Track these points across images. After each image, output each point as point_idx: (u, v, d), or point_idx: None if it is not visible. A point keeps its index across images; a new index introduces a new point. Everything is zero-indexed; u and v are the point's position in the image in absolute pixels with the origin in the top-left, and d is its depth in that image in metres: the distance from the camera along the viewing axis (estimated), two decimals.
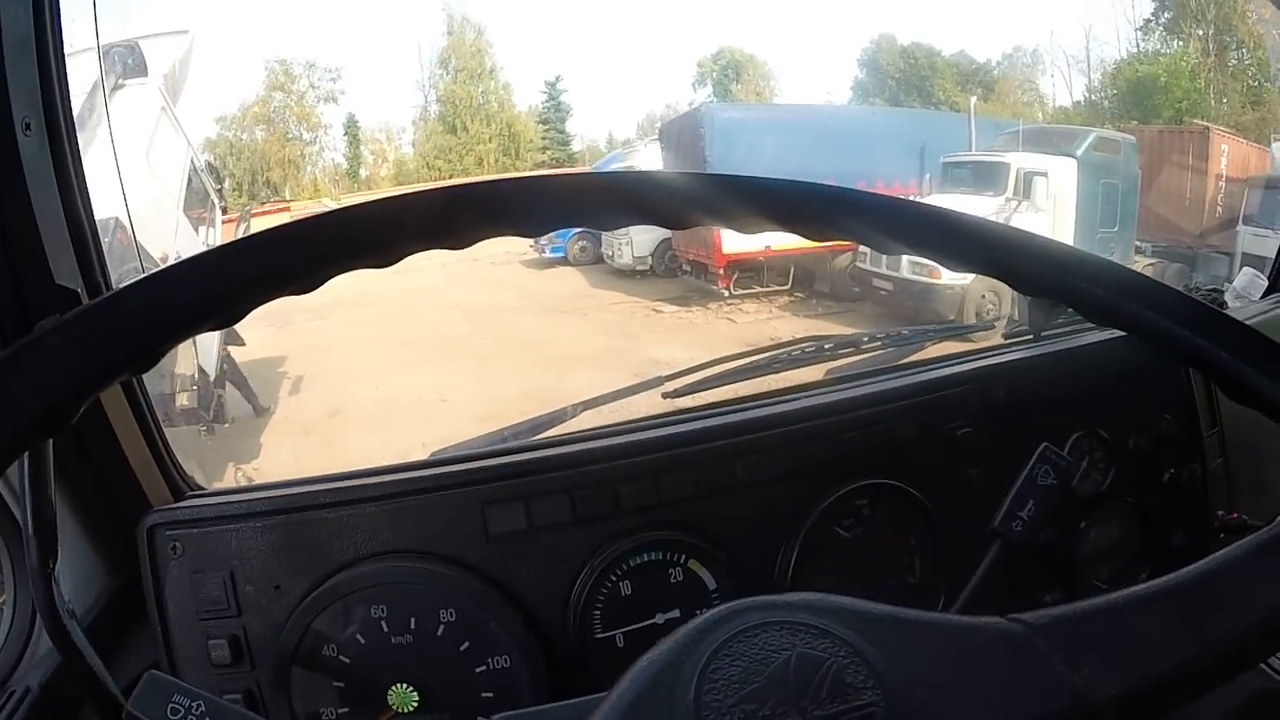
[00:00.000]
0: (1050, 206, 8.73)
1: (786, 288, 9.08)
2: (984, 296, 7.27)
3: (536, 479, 0.78)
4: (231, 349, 5.47)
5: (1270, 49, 13.64)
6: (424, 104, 20.72)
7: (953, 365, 1.05)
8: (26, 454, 0.54)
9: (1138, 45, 17.48)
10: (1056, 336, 1.09)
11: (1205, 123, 13.66)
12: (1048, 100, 18.22)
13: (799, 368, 1.16)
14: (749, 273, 8.98)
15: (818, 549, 0.85)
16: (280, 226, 0.36)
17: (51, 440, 0.55)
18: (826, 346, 1.21)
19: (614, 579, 0.80)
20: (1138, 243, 9.82)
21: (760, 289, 9.03)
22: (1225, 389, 0.42)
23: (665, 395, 1.08)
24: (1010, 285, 0.43)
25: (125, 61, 4.45)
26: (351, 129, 20.02)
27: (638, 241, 9.84)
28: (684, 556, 0.81)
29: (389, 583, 0.74)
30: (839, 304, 8.45)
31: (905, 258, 8.02)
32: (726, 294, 8.91)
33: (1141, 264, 9.46)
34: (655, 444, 0.83)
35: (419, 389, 5.93)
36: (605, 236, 10.52)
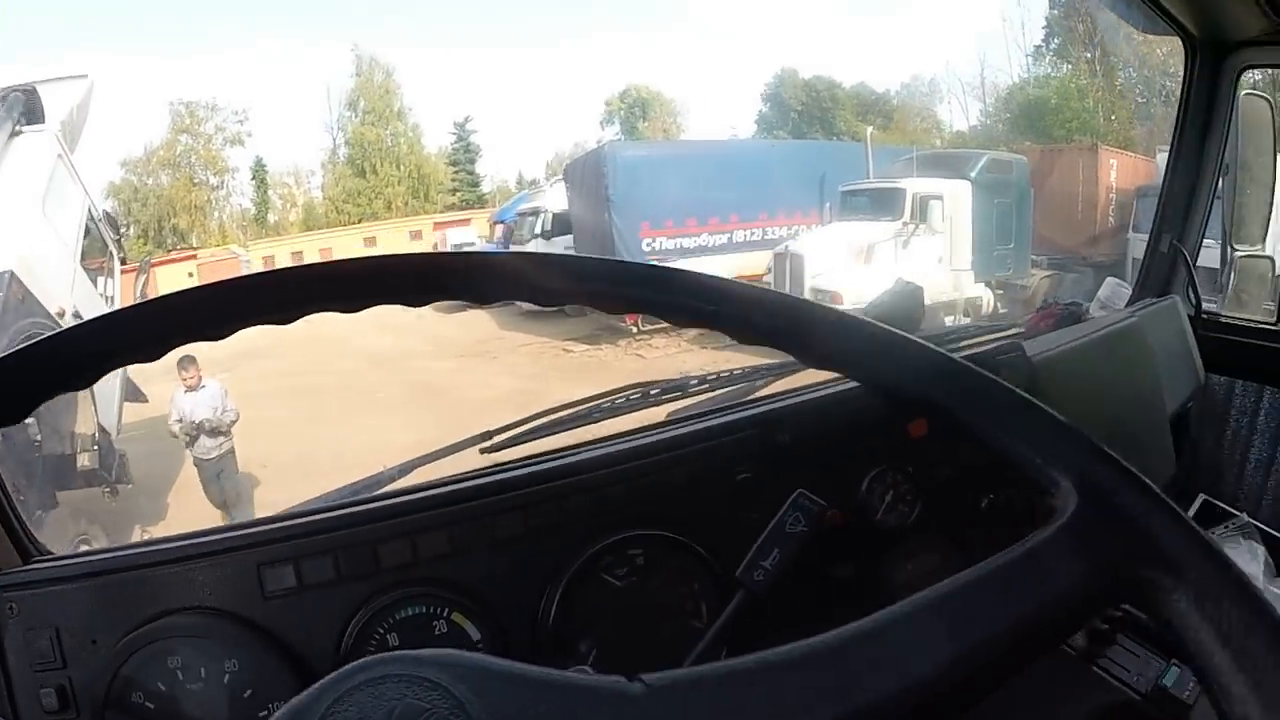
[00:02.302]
0: (947, 228, 9.01)
1: None
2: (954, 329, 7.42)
3: (304, 541, 0.84)
4: (131, 405, 5.33)
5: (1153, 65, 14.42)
6: (332, 146, 20.78)
7: (740, 410, 1.06)
8: None
9: (1029, 70, 18.41)
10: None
11: (1094, 139, 14.40)
12: (945, 126, 19.07)
13: (622, 415, 1.17)
14: None
15: (585, 599, 0.88)
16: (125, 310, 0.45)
17: None
18: (652, 392, 1.21)
19: (381, 631, 0.84)
20: (1035, 256, 10.21)
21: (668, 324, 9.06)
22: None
23: (483, 450, 1.09)
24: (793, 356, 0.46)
25: (22, 107, 4.28)
26: (259, 172, 19.84)
27: None
28: (447, 610, 0.85)
29: (182, 636, 0.80)
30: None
31: (809, 285, 8.21)
32: (635, 330, 8.94)
33: (1039, 276, 9.82)
34: (412, 505, 0.88)
35: (321, 442, 5.79)
36: None
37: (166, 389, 6.88)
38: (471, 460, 1.08)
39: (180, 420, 5.04)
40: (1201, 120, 1.80)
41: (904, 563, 1.01)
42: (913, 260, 8.60)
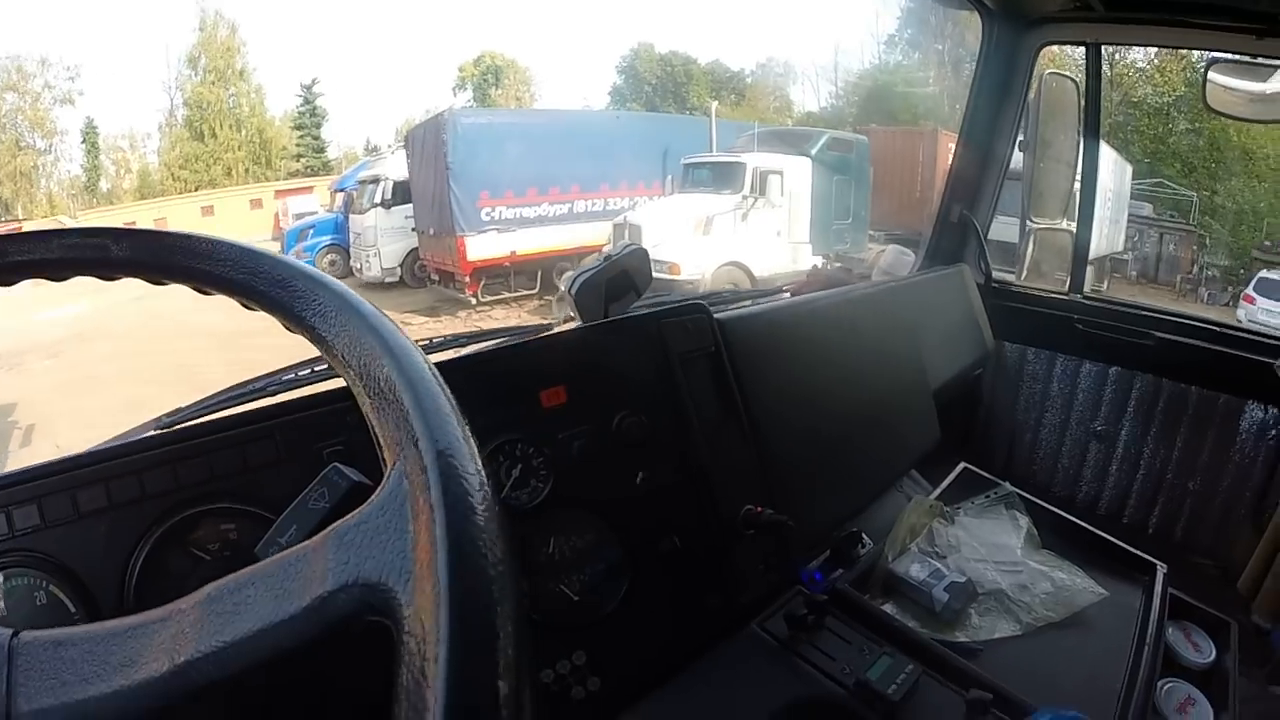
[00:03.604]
0: (785, 203, 9.29)
1: (535, 291, 9.11)
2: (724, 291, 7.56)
3: None
4: None
5: None
6: (170, 107, 19.39)
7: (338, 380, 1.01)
8: None
9: (880, 57, 19.25)
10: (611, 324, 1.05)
11: (935, 125, 15.24)
12: (796, 107, 19.73)
13: (303, 386, 1.11)
14: (496, 279, 8.96)
15: (170, 572, 0.87)
16: None
17: None
18: (319, 367, 1.16)
19: None
20: (873, 231, 10.67)
21: (509, 294, 9.03)
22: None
23: (159, 428, 1.03)
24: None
25: None
26: (90, 135, 18.36)
27: (385, 252, 9.56)
28: (45, 581, 0.85)
29: None
30: None
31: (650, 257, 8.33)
32: (474, 301, 8.84)
33: (875, 250, 10.31)
34: (12, 480, 0.86)
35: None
36: (353, 249, 10.10)
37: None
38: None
39: None
40: (996, 93, 1.84)
41: (543, 544, 0.96)
42: (751, 233, 8.84)
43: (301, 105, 19.82)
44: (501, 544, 0.35)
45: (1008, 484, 1.32)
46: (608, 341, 1.03)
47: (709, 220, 8.71)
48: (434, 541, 0.34)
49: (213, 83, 18.80)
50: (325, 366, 1.17)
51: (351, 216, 10.86)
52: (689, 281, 7.83)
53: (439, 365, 1.10)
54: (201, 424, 0.94)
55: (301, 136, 19.52)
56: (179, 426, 0.95)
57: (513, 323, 8.27)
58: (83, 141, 18.37)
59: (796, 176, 9.44)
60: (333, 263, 10.30)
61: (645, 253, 1.14)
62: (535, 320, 8.34)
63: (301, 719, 0.76)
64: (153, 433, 1.00)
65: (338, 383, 1.12)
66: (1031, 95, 1.83)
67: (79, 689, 0.35)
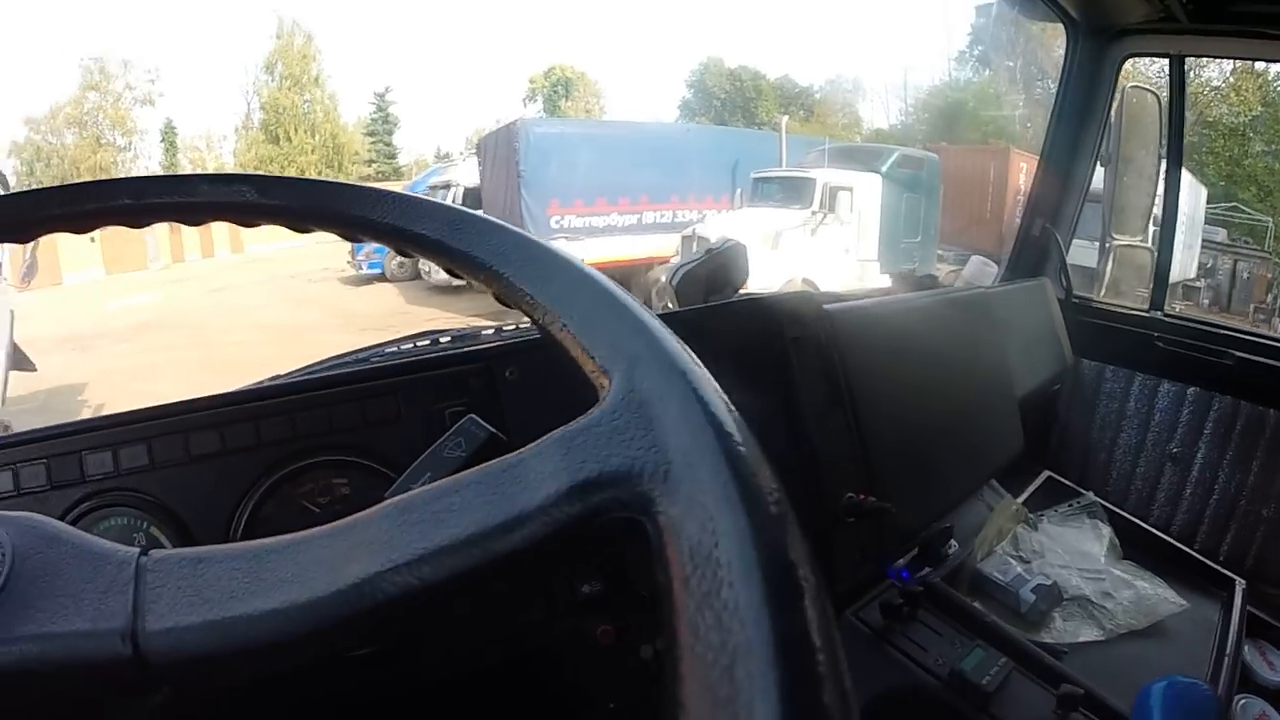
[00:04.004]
0: (854, 219, 9.19)
1: None
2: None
3: (23, 449, 0.85)
4: (20, 375, 5.09)
5: None
6: (247, 111, 20.11)
7: (473, 344, 1.03)
8: None
9: (950, 74, 18.95)
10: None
11: (1007, 144, 14.91)
12: (866, 123, 19.51)
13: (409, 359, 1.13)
14: None
15: (278, 521, 0.87)
16: None
17: None
18: (443, 339, 1.21)
19: None
20: (941, 250, 10.48)
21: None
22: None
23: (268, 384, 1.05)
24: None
25: None
26: (169, 135, 19.15)
27: None
28: (145, 522, 0.86)
29: None
30: None
31: None
32: None
33: (945, 270, 10.12)
34: (115, 420, 0.89)
35: None
36: None
37: (58, 360, 6.62)
38: None
39: None
40: (1079, 106, 1.81)
41: None
42: (819, 249, 8.75)
43: (374, 112, 20.38)
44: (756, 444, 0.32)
45: (1090, 493, 1.34)
46: (722, 324, 1.03)
47: (778, 235, 8.64)
48: (696, 434, 0.31)
49: (289, 88, 19.40)
50: (429, 342, 1.20)
51: None
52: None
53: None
54: (322, 378, 0.95)
55: (374, 142, 20.07)
56: (296, 380, 0.96)
57: None
58: (161, 140, 19.15)
59: (866, 193, 9.34)
60: (401, 264, 10.49)
61: (744, 249, 1.16)
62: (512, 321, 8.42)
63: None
64: (268, 383, 1.02)
65: (456, 348, 1.15)
66: (1113, 109, 1.80)
67: (225, 606, 0.33)
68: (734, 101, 18.83)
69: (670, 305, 1.09)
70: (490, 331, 1.24)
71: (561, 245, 0.43)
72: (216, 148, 19.75)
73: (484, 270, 0.42)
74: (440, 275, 9.91)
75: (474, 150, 11.43)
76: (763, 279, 8.27)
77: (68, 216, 0.47)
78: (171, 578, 0.33)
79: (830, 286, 8.64)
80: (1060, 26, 1.78)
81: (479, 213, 0.45)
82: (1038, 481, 1.40)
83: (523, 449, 0.34)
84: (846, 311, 1.19)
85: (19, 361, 5.07)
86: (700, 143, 10.78)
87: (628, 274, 8.97)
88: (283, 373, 1.13)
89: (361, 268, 10.83)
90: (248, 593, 0.33)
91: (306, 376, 0.98)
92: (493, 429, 0.61)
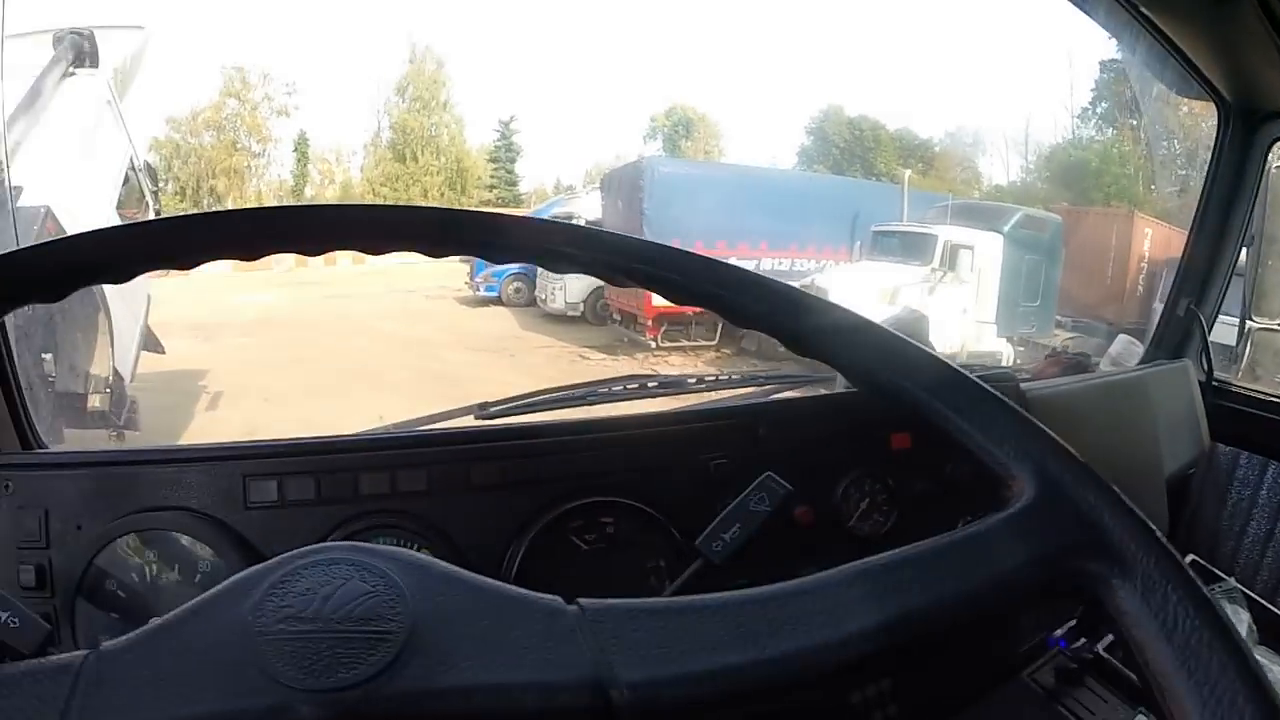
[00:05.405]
0: (974, 279, 8.97)
1: (713, 343, 9.14)
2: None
3: (290, 460, 0.88)
4: (152, 356, 5.30)
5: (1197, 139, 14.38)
6: (376, 129, 20.91)
7: (728, 401, 1.08)
8: None
9: (1073, 131, 18.36)
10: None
11: (1131, 207, 14.32)
12: (985, 178, 19.00)
13: (618, 401, 1.18)
14: (677, 326, 9.04)
15: (549, 555, 0.90)
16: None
17: None
18: (650, 384, 1.23)
19: None
20: (1059, 317, 10.12)
21: (688, 343, 9.09)
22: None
23: (478, 416, 1.10)
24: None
25: (78, 49, 4.28)
26: (301, 146, 20.06)
27: (572, 288, 9.86)
28: (416, 544, 0.87)
29: (160, 530, 0.85)
30: (763, 361, 8.42)
31: None
32: (654, 345, 8.95)
33: (1061, 337, 9.76)
34: (396, 442, 0.93)
35: (333, 415, 5.88)
36: (539, 280, 10.54)
37: (184, 345, 6.96)
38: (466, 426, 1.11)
39: None
40: (1229, 187, 1.79)
41: None
42: (937, 307, 8.56)
43: (498, 140, 21.01)
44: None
45: (1232, 579, 1.35)
46: None
47: (895, 290, 8.50)
48: (1116, 513, 0.39)
49: (418, 111, 20.18)
50: (637, 386, 1.23)
51: None
52: None
53: (789, 400, 1.11)
54: (596, 420, 0.99)
55: (496, 169, 20.67)
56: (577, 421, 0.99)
57: (688, 370, 8.36)
58: (294, 150, 20.11)
59: (987, 253, 9.12)
60: (518, 290, 10.77)
61: (927, 321, 1.23)
62: (713, 371, 8.38)
63: None
64: (542, 420, 1.05)
65: (699, 397, 1.20)
66: (1260, 189, 1.76)
67: (705, 658, 0.34)
68: (853, 150, 18.71)
69: None
70: (694, 380, 1.27)
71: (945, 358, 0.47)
72: (345, 161, 20.67)
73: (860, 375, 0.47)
74: (555, 304, 10.20)
75: (595, 184, 11.69)
76: None
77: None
78: (625, 628, 0.35)
79: (943, 347, 8.43)
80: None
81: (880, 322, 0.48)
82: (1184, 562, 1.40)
83: (969, 529, 0.40)
84: (1040, 391, 1.28)
85: (150, 343, 5.26)
86: (822, 191, 10.78)
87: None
88: (491, 401, 1.14)
89: (479, 289, 11.12)
90: (728, 645, 0.35)
91: (576, 422, 1.00)
92: (789, 486, 0.64)
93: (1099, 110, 18.50)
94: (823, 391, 1.15)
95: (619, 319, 9.67)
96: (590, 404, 1.17)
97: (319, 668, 0.33)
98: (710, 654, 0.35)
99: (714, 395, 1.22)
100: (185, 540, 0.86)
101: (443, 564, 0.39)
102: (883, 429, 1.03)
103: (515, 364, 8.40)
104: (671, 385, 1.24)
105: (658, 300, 8.82)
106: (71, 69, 4.23)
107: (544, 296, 10.38)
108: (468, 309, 11.16)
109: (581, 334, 9.47)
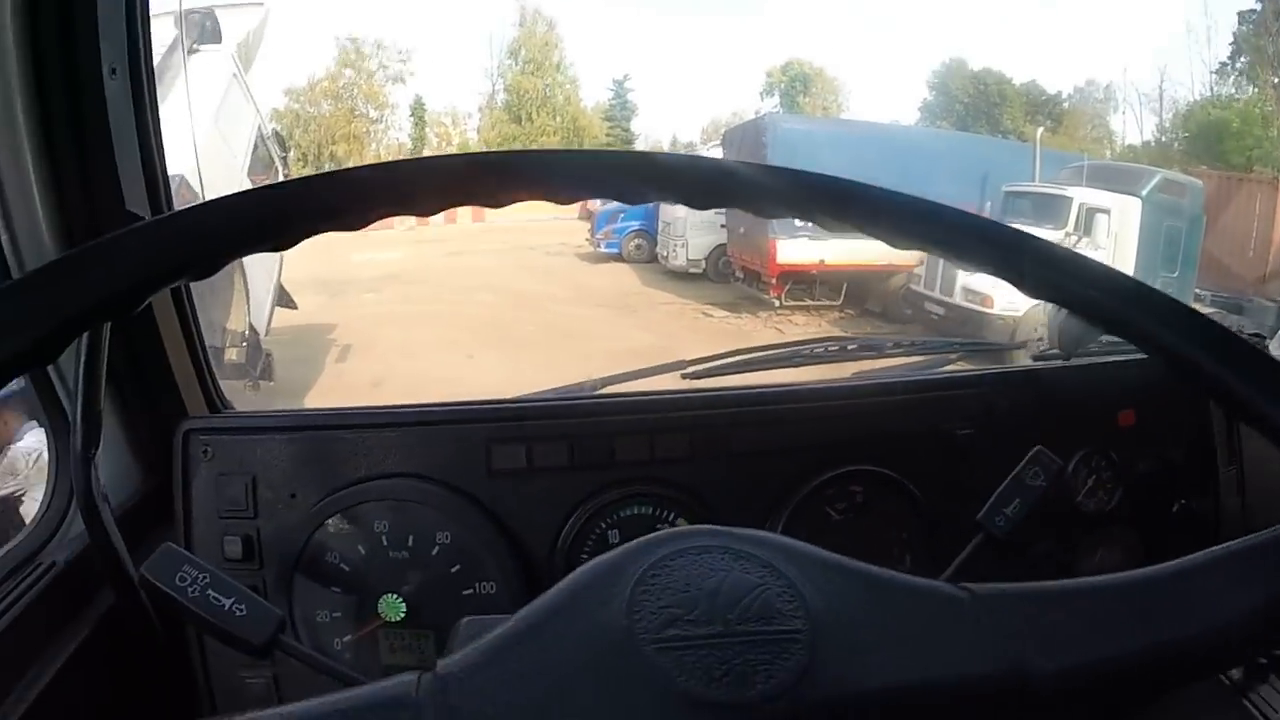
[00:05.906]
0: (1111, 244, 8.59)
1: (838, 304, 9.03)
2: (1035, 330, 7.20)
3: (540, 424, 0.84)
4: (283, 311, 5.59)
5: None
6: (491, 92, 21.02)
7: (963, 370, 1.08)
8: (84, 349, 0.62)
9: (1212, 89, 17.12)
10: (1086, 361, 1.11)
11: (1276, 172, 13.37)
12: (1117, 137, 17.88)
13: (820, 364, 1.17)
14: (801, 285, 8.94)
15: (805, 526, 0.88)
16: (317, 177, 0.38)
17: (107, 338, 0.64)
18: (850, 346, 1.23)
19: (603, 526, 0.85)
20: (1197, 290, 9.61)
21: (812, 302, 8.96)
22: (1230, 410, 0.42)
23: (684, 375, 1.10)
24: (1013, 284, 0.41)
25: (202, 27, 4.60)
26: (418, 110, 20.38)
27: (693, 244, 9.88)
28: (673, 514, 0.86)
29: (393, 500, 0.80)
30: (889, 324, 8.26)
31: (960, 284, 8.03)
32: (777, 304, 8.87)
33: (1201, 311, 9.25)
34: (654, 405, 0.88)
35: (459, 368, 6.06)
36: (661, 236, 10.63)
37: (313, 300, 7.12)
38: (671, 384, 1.10)
39: None
40: None
41: (1094, 550, 1.02)
42: None
43: (613, 98, 21.03)
44: None
45: None
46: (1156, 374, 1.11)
47: None
48: None
49: (531, 73, 20.26)
50: (838, 348, 1.21)
51: (662, 206, 11.41)
52: (1000, 316, 7.45)
53: (1025, 372, 1.10)
54: (854, 387, 0.99)
55: (611, 127, 20.63)
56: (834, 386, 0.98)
57: (812, 331, 8.31)
58: (411, 115, 20.52)
59: (1124, 218, 8.69)
60: (639, 247, 10.85)
61: None
62: (836, 332, 8.32)
63: None
64: (771, 383, 1.03)
65: (955, 366, 1.19)
66: None
67: (1117, 643, 0.34)
68: (977, 106, 17.92)
69: (1043, 341, 1.14)
70: (891, 345, 1.21)
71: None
72: (461, 124, 20.99)
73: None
74: (676, 261, 10.25)
75: (715, 141, 11.63)
76: (1008, 300, 7.85)
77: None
78: (1031, 615, 0.35)
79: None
80: None
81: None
82: None
83: (1188, 558, 0.38)
84: None
85: (284, 299, 5.56)
86: (949, 149, 10.40)
87: (865, 280, 8.90)
88: (695, 359, 1.14)
89: (600, 246, 11.22)
90: (1132, 630, 0.35)
91: (819, 388, 0.99)
92: (1059, 460, 0.64)
93: (1238, 65, 17.16)
94: (998, 364, 1.14)
95: (741, 276, 9.60)
96: (792, 365, 1.16)
97: (732, 679, 0.30)
98: (1121, 639, 0.34)
99: (908, 360, 1.19)
100: (416, 510, 0.81)
101: (814, 548, 0.37)
102: (1112, 405, 1.03)
103: (637, 320, 8.47)
104: (869, 348, 1.23)
105: (782, 257, 8.88)
106: (196, 45, 4.51)
107: (665, 253, 10.39)
108: (589, 265, 11.24)
109: (703, 291, 9.43)
